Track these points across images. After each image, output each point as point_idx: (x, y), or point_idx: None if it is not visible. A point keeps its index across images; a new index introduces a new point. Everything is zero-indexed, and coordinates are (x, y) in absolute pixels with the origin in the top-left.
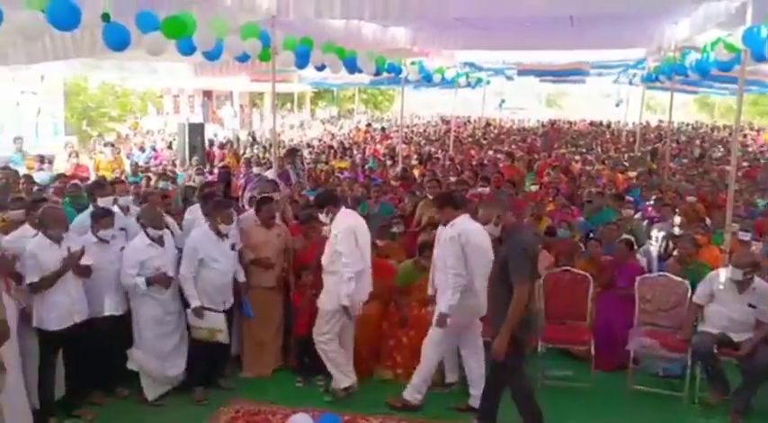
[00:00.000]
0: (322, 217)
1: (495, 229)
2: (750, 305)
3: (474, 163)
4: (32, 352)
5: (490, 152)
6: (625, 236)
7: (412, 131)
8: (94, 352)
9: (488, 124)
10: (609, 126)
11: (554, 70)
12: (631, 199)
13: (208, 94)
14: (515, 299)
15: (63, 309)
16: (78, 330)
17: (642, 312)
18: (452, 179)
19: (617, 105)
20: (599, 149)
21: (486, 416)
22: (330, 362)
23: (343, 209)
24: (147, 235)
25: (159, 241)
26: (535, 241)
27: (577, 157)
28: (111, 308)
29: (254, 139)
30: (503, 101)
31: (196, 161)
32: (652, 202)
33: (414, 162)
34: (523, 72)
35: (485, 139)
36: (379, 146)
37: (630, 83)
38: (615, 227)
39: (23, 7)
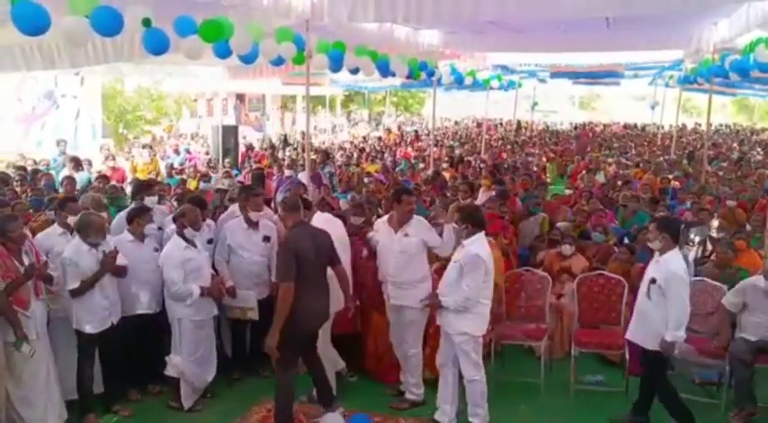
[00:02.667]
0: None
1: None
2: None
3: (505, 166)
4: (68, 348)
5: (521, 155)
6: None
7: (443, 134)
8: (129, 349)
9: (520, 127)
10: (644, 129)
11: (588, 72)
12: (667, 203)
13: (240, 97)
14: (280, 296)
15: (101, 312)
16: (114, 329)
17: None
18: (484, 181)
19: (652, 108)
20: (633, 152)
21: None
22: None
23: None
24: (184, 237)
25: (193, 243)
26: (308, 240)
27: (610, 160)
28: (144, 306)
29: (285, 141)
30: (535, 103)
31: (228, 163)
32: (689, 206)
33: (444, 165)
34: (556, 74)
35: (516, 141)
36: (409, 148)
37: (667, 85)
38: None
39: (69, 13)
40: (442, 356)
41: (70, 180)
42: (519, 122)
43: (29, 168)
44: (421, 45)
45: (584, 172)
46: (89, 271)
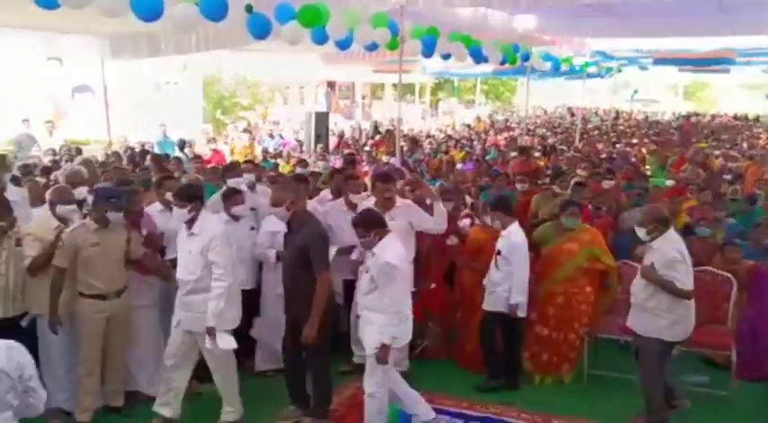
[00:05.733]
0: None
1: (285, 213)
2: None
3: (603, 156)
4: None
5: (618, 145)
6: None
7: (535, 122)
8: None
9: (618, 117)
10: (757, 120)
11: (695, 59)
12: None
13: (331, 84)
14: (320, 286)
15: None
16: None
17: None
18: (580, 172)
19: None
20: (744, 145)
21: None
22: None
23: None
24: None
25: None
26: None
27: (717, 152)
28: (241, 282)
29: (376, 129)
30: (635, 92)
31: (320, 148)
32: None
33: (536, 154)
34: (660, 61)
35: (613, 131)
36: (499, 137)
37: None
38: (764, 228)
39: (178, 0)
40: None
41: (177, 161)
42: (617, 112)
43: (137, 149)
44: (516, 30)
45: (687, 164)
46: None
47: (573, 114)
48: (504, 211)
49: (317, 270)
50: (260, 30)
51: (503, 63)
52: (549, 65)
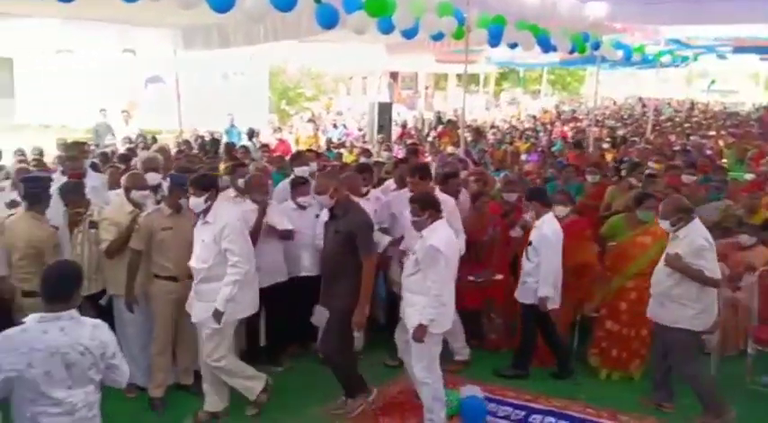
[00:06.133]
0: (195, 201)
1: (329, 200)
2: None
3: (677, 148)
4: None
5: (693, 137)
6: None
7: (603, 114)
8: (292, 308)
9: (693, 107)
10: None
11: None
12: None
13: (393, 75)
14: (367, 272)
15: (266, 269)
16: (279, 289)
17: None
18: (653, 164)
19: None
20: None
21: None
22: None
23: (221, 197)
24: None
25: None
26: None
27: None
28: (307, 269)
29: (439, 119)
30: (712, 81)
31: (380, 138)
32: None
33: (605, 146)
34: (740, 49)
35: (688, 123)
36: (566, 128)
37: None
38: None
39: None
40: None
41: (245, 149)
42: (692, 103)
43: (206, 138)
44: (586, 18)
45: (767, 157)
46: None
47: (644, 105)
48: (539, 202)
49: (364, 254)
50: (328, 20)
51: (572, 52)
52: (620, 54)
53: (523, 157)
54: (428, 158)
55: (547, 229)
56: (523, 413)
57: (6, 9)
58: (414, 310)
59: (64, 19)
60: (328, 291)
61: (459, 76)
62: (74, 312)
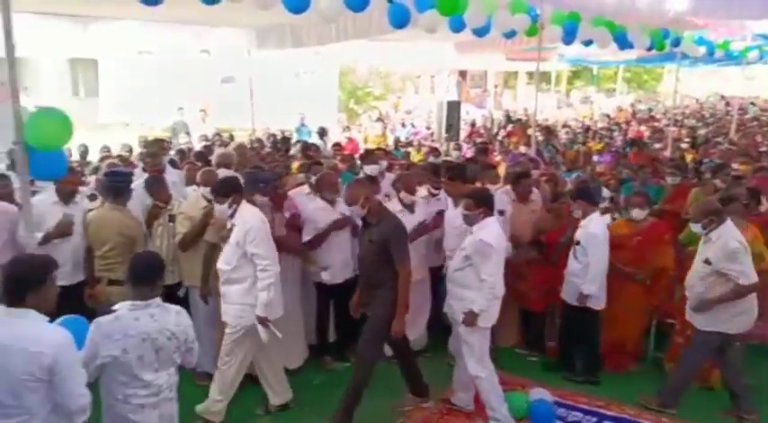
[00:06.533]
0: (220, 208)
1: (361, 210)
2: None
3: (763, 149)
4: (310, 300)
5: None
6: None
7: (683, 113)
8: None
9: None
10: None
11: None
12: None
13: (462, 74)
14: (403, 282)
15: (336, 266)
16: (348, 285)
17: None
18: (737, 166)
19: None
20: None
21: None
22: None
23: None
24: (401, 201)
25: (410, 208)
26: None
27: None
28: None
29: (508, 118)
30: None
31: (450, 137)
32: None
33: (684, 146)
34: None
35: None
36: (642, 127)
37: None
38: None
39: None
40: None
41: (315, 148)
42: None
43: (278, 136)
44: (666, 14)
45: None
46: (323, 224)
47: (728, 104)
48: (586, 201)
49: (399, 263)
50: (400, 19)
51: (650, 49)
52: (702, 50)
53: (595, 157)
54: (497, 158)
55: (594, 228)
56: (595, 419)
57: (93, 12)
58: (462, 304)
59: (145, 21)
60: (367, 298)
61: (529, 74)
62: (159, 300)
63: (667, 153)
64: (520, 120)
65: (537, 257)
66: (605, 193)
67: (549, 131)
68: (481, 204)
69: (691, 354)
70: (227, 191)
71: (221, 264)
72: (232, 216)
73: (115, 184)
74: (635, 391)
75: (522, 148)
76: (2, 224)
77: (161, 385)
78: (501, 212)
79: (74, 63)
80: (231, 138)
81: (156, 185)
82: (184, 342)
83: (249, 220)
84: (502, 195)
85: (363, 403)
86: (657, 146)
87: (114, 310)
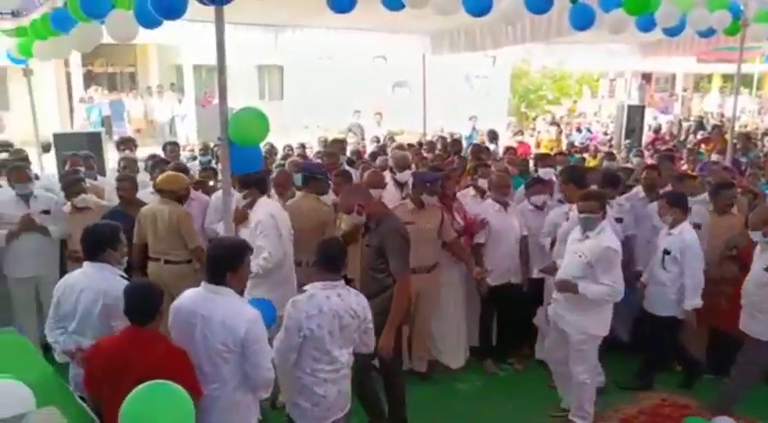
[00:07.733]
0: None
1: (359, 217)
2: None
3: None
4: (473, 303)
5: None
6: None
7: None
8: (522, 310)
9: None
10: None
11: None
12: None
13: (646, 77)
14: (398, 292)
15: (499, 269)
16: (509, 289)
17: None
18: None
19: None
20: None
21: None
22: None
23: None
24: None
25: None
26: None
27: None
28: (534, 271)
29: (700, 124)
30: None
31: (630, 144)
32: None
33: None
34: None
35: None
36: None
37: None
38: None
39: None
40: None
41: (488, 150)
42: None
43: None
44: None
45: None
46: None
47: None
48: (682, 209)
49: (395, 271)
50: (583, 20)
51: None
52: None
53: None
54: (684, 166)
55: (689, 237)
56: None
57: (283, 21)
58: (583, 316)
59: (329, 29)
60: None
61: (724, 76)
62: (342, 282)
63: None
64: (717, 125)
65: (738, 274)
66: None
67: (747, 139)
68: (602, 208)
69: (747, 366)
70: (246, 183)
71: None
72: (250, 207)
73: (314, 176)
74: None
75: (715, 157)
76: (196, 212)
77: (343, 361)
78: (698, 226)
79: (261, 69)
80: (392, 139)
81: (340, 180)
82: (364, 320)
83: (260, 213)
84: (699, 207)
85: (515, 409)
86: None
87: (305, 290)
